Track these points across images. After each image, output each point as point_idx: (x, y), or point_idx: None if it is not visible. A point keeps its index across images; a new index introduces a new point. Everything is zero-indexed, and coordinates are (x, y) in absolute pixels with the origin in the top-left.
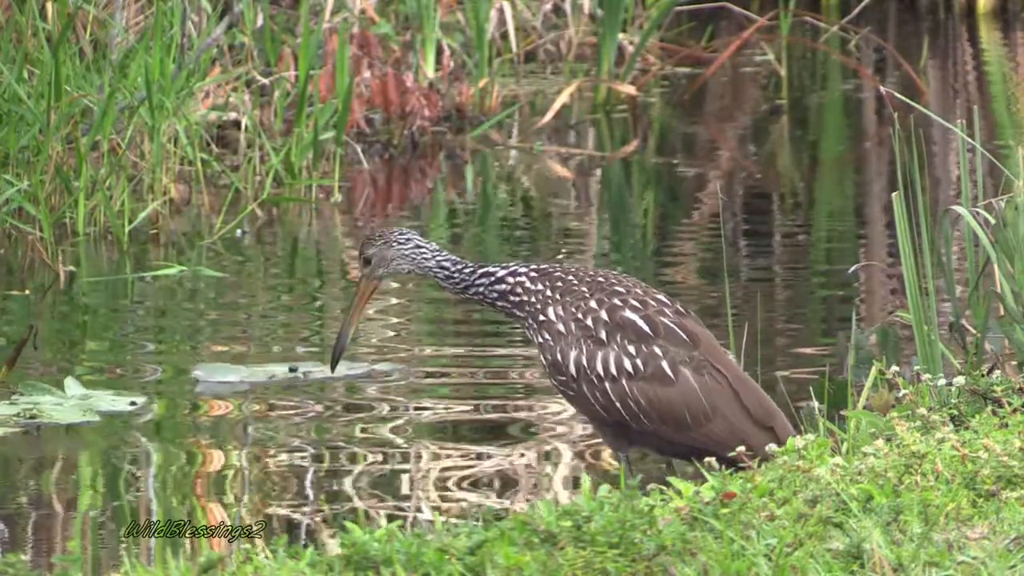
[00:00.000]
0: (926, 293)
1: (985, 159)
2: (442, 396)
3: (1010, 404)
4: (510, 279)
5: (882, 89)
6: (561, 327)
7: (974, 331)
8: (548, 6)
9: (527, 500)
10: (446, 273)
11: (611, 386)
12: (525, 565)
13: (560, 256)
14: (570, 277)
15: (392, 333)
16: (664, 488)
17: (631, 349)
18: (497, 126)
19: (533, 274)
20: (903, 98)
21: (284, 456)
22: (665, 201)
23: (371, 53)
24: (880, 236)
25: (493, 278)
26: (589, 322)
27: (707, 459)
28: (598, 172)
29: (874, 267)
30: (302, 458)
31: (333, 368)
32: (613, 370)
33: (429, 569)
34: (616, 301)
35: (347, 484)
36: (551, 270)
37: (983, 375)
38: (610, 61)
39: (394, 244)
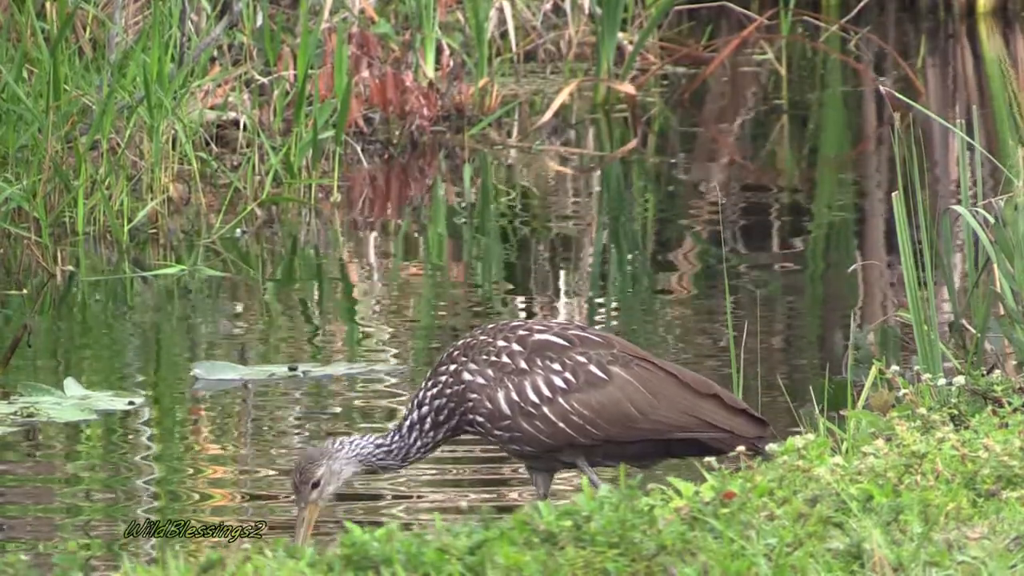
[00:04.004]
0: (926, 293)
1: (985, 159)
2: None
3: (1010, 404)
4: (424, 408)
5: (882, 89)
6: (481, 379)
7: (974, 331)
8: (548, 6)
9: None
10: (386, 449)
11: (549, 408)
12: (525, 565)
13: (559, 254)
14: (463, 341)
15: (392, 333)
16: (664, 488)
17: (556, 366)
18: (497, 125)
19: (430, 383)
20: (903, 98)
21: (284, 455)
22: (664, 200)
23: (370, 53)
24: (880, 236)
25: (418, 423)
26: (505, 359)
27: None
28: (597, 171)
29: (874, 267)
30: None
31: None
32: (546, 392)
33: (429, 569)
34: (521, 332)
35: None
36: (437, 364)
37: (983, 375)
38: (609, 60)
39: (338, 456)
